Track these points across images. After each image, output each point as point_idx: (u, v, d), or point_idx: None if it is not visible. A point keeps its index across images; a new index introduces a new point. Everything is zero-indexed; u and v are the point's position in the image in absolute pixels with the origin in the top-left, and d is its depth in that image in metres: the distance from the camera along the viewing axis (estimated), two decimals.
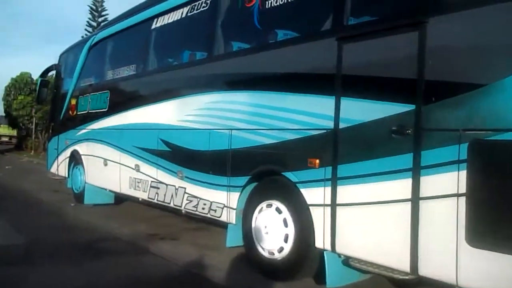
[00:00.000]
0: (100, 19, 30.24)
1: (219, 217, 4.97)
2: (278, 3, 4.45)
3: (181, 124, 5.60)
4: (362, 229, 3.43)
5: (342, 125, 3.59)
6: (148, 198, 6.29)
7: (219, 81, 5.11)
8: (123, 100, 7.13)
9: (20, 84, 29.61)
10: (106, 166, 7.42)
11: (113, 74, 7.43)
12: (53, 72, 10.65)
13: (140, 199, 6.65)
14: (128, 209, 8.12)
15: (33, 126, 26.45)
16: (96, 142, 7.80)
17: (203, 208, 5.21)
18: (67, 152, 9.03)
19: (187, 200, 5.46)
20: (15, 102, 28.65)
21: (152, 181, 6.16)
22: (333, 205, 3.62)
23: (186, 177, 5.45)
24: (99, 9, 31.82)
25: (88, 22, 31.58)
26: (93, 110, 7.95)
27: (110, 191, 7.71)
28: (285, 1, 4.39)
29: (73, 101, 8.89)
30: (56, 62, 10.25)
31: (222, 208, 4.91)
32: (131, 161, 6.63)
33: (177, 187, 5.63)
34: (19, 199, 8.95)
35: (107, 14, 30.84)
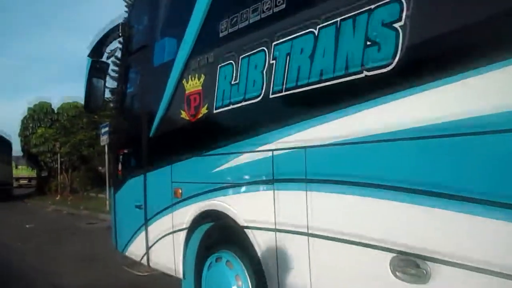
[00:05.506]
0: None
1: None
2: None
3: None
4: None
5: None
6: None
7: None
8: None
9: (39, 114, 24.45)
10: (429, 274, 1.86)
11: None
12: (115, 47, 5.21)
13: None
14: None
15: (58, 165, 21.04)
16: (337, 188, 2.27)
17: None
18: (182, 216, 3.51)
19: None
20: (34, 137, 23.41)
21: None
22: None
23: None
24: None
25: None
26: (319, 82, 2.44)
27: None
28: None
29: (193, 84, 3.43)
30: (121, 20, 4.88)
31: None
32: None
33: None
34: None
35: None
